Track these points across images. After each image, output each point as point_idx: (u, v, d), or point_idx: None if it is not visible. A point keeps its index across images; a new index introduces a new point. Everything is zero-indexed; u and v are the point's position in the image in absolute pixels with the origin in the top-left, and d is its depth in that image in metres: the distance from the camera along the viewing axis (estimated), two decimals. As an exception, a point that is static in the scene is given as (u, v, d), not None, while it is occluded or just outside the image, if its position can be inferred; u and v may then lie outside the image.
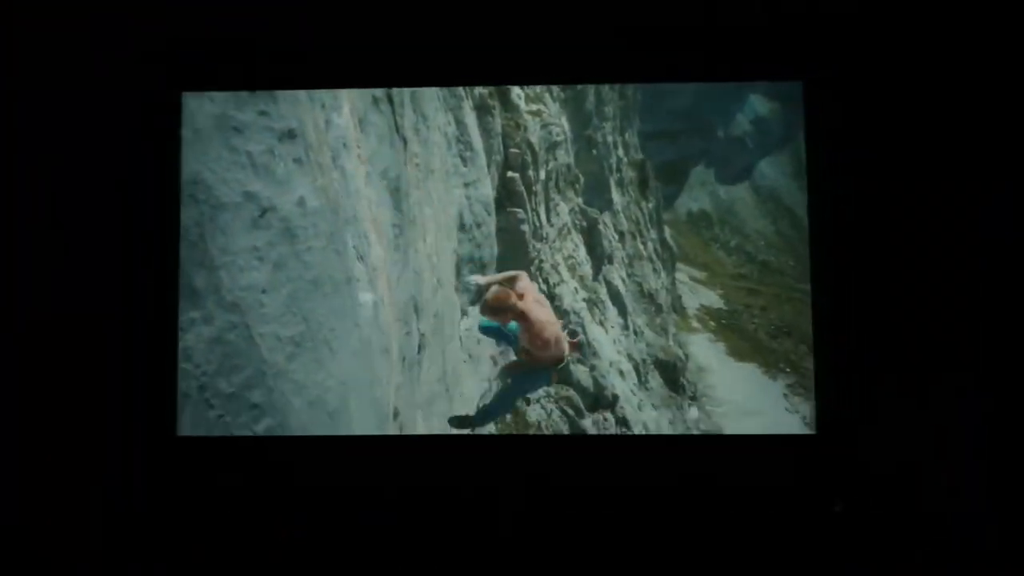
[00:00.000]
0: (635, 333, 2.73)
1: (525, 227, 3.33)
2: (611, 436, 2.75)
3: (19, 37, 2.75)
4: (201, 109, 2.25)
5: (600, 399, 2.88)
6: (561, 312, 3.10)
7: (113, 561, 2.63)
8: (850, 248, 2.62)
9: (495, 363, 2.81)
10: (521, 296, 2.30)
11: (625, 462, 2.65)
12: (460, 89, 3.30)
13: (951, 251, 2.61)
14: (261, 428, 2.40)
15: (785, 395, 2.52)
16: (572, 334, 2.37)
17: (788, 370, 2.50)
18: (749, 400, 2.62)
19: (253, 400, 2.36)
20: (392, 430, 2.79)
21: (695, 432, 2.76)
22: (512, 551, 2.58)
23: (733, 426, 2.66)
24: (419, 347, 2.94)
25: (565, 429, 2.88)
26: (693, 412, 2.83)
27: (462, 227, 3.67)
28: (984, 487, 2.55)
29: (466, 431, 2.69)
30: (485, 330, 2.48)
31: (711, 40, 2.69)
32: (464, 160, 3.42)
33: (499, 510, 2.61)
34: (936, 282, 2.61)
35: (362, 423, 2.82)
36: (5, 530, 2.62)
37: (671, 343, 2.70)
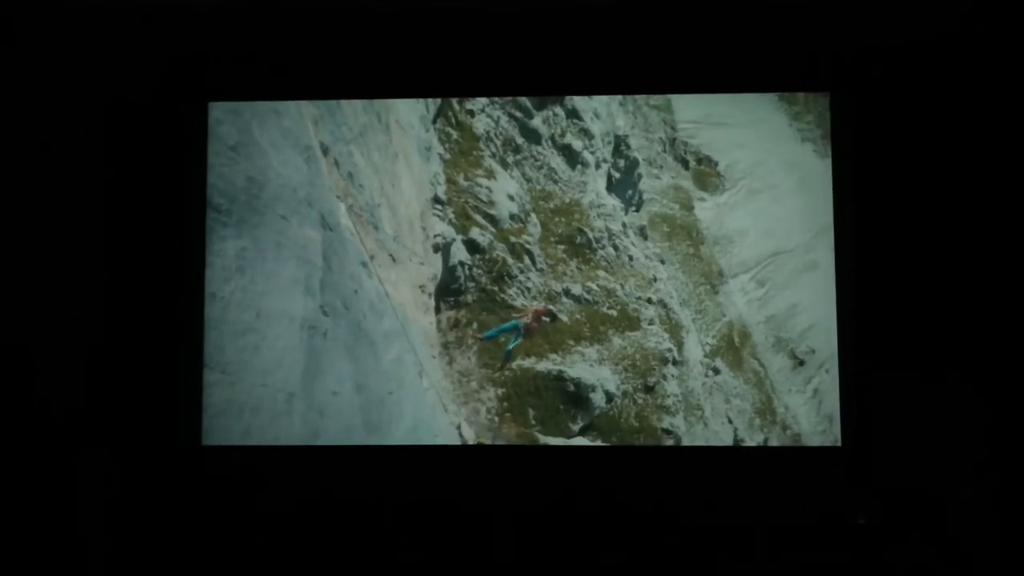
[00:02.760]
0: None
1: None
2: (622, 447, 2.65)
3: (41, 47, 2.76)
4: None
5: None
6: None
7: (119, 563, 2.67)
8: (877, 261, 2.64)
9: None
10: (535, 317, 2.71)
11: (634, 472, 2.64)
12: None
13: (985, 261, 2.62)
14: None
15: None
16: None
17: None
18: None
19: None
20: (326, 165, 2.59)
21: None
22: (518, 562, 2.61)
23: (679, 96, 2.64)
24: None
25: (516, 133, 2.71)
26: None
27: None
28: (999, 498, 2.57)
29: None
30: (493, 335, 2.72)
31: (736, 49, 2.68)
32: None
33: (507, 521, 2.61)
34: (966, 290, 2.61)
35: (281, 158, 2.62)
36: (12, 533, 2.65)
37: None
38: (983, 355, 2.60)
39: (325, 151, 2.65)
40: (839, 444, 2.63)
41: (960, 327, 2.61)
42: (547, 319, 2.69)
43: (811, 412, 2.63)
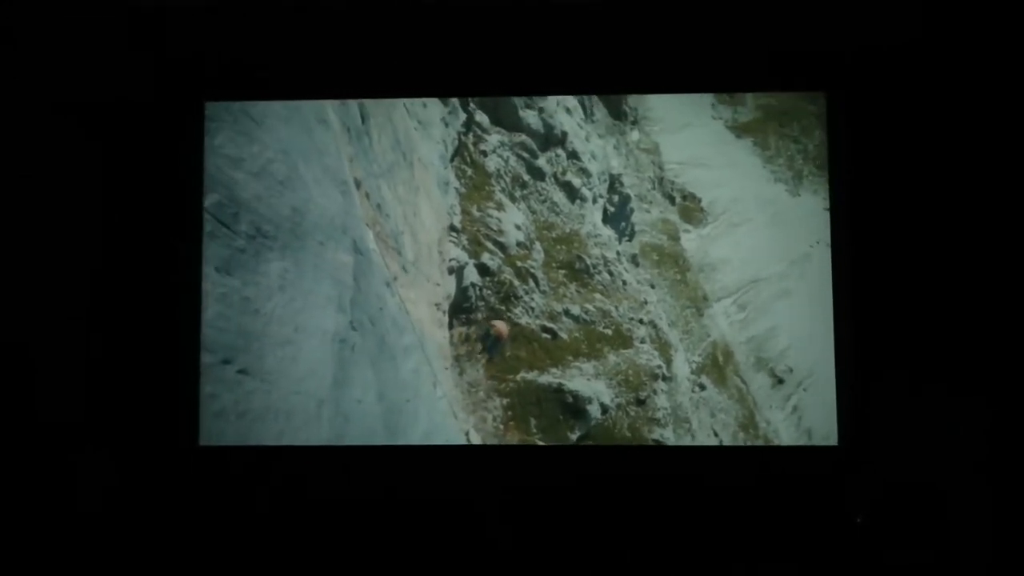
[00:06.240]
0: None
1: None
2: (627, 447, 2.73)
3: (41, 47, 2.76)
4: None
5: (550, 138, 2.98)
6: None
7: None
8: (873, 261, 2.65)
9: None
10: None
11: (631, 471, 2.73)
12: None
13: (979, 262, 2.62)
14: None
15: (713, 104, 2.66)
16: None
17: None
18: (680, 114, 2.76)
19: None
20: (359, 197, 2.82)
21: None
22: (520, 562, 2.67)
23: (666, 140, 2.84)
24: (362, 116, 2.93)
25: (523, 171, 2.89)
26: (635, 135, 2.97)
27: None
28: (997, 497, 2.56)
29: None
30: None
31: (730, 49, 2.69)
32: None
33: (508, 522, 2.70)
34: (961, 291, 2.62)
35: (321, 191, 2.80)
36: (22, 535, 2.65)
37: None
38: (980, 356, 2.60)
39: (358, 185, 2.86)
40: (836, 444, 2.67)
41: (957, 328, 2.61)
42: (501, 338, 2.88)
43: (791, 427, 2.78)
